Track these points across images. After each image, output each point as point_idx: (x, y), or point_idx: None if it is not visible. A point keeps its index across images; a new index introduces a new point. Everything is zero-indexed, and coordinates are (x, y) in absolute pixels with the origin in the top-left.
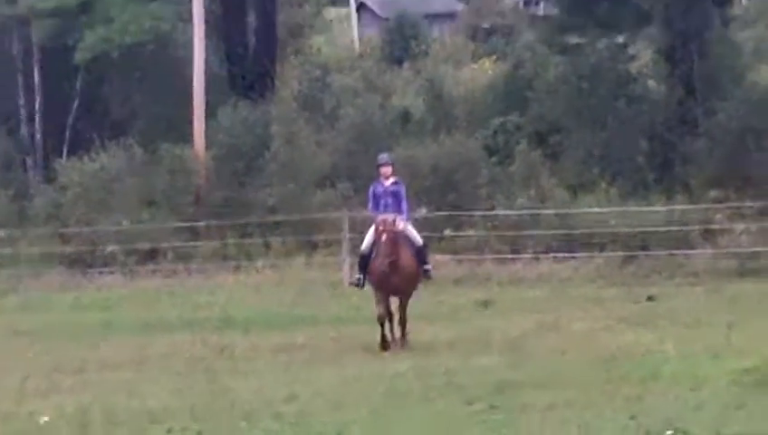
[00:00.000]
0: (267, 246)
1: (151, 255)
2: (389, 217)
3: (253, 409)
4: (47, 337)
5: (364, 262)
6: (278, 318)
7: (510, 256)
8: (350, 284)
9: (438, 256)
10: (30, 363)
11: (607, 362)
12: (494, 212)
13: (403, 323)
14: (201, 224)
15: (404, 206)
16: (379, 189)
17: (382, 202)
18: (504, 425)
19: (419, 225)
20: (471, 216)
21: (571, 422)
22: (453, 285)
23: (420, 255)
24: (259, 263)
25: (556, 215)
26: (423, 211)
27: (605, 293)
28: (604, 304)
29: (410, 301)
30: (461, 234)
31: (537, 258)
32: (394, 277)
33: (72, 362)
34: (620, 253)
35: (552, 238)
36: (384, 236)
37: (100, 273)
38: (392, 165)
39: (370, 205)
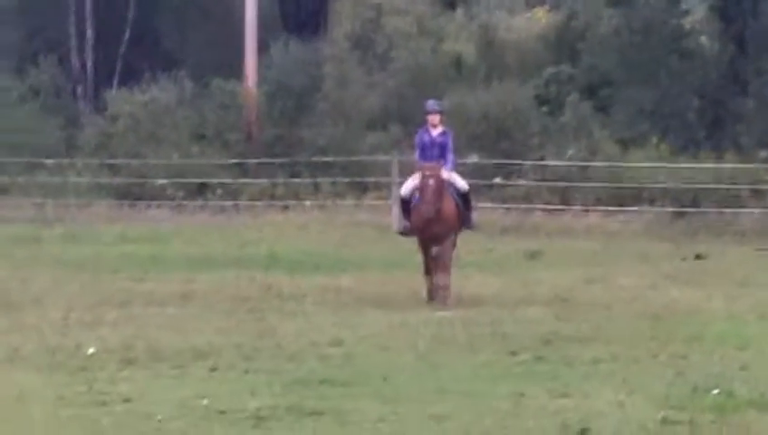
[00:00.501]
0: (316, 186)
1: (200, 190)
2: (435, 164)
3: (299, 350)
4: (93, 269)
5: (406, 206)
6: (325, 259)
7: (559, 207)
8: (398, 231)
9: (488, 204)
10: (75, 295)
11: (653, 319)
12: (544, 162)
13: (445, 271)
14: (251, 161)
15: (450, 157)
16: (426, 139)
17: (428, 153)
18: (548, 377)
19: (469, 171)
20: (521, 165)
21: (616, 376)
22: (501, 234)
23: (464, 202)
24: (307, 203)
25: (606, 168)
26: (474, 158)
27: (653, 248)
28: (652, 261)
29: (455, 251)
30: (510, 183)
31: (586, 211)
32: (436, 226)
33: (117, 296)
34: (669, 209)
35: (601, 191)
36: (429, 183)
37: (148, 206)
38: (441, 113)
39: (417, 153)
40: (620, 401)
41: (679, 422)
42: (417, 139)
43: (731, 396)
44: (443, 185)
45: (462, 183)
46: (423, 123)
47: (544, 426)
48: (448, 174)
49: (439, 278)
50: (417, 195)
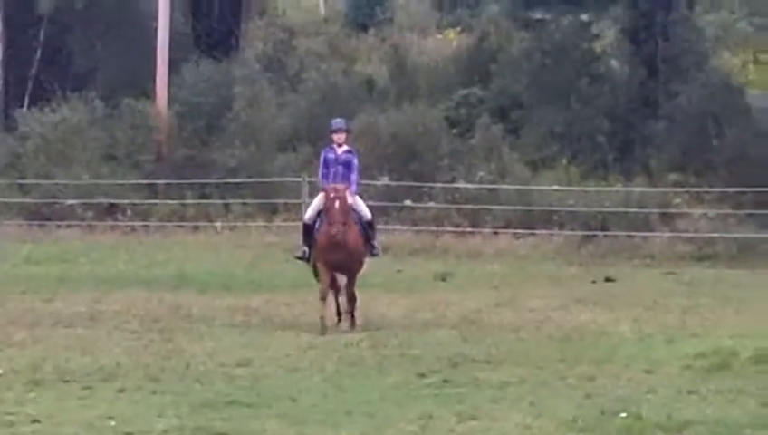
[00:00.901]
0: (227, 207)
1: (110, 210)
2: (339, 185)
3: (206, 370)
4: (1, 289)
5: (308, 232)
6: (235, 280)
7: (469, 229)
8: (296, 257)
9: (398, 226)
10: None
11: (562, 341)
12: (454, 185)
13: (352, 300)
14: (161, 182)
15: (354, 177)
16: (331, 156)
17: (332, 171)
18: (457, 400)
19: (379, 193)
20: (431, 187)
21: (524, 399)
22: (410, 255)
23: (368, 231)
24: (218, 224)
25: (516, 190)
26: (384, 179)
27: (563, 271)
28: (561, 283)
29: (358, 278)
30: (420, 205)
31: (496, 233)
32: (340, 252)
33: (25, 316)
34: (579, 232)
35: (511, 214)
36: (335, 205)
37: (58, 226)
38: (347, 131)
39: (320, 172)
40: (528, 425)
41: None
42: (321, 156)
43: (638, 419)
44: (348, 207)
45: (366, 211)
46: (327, 143)
47: None
48: (353, 198)
49: (347, 305)
50: (321, 218)
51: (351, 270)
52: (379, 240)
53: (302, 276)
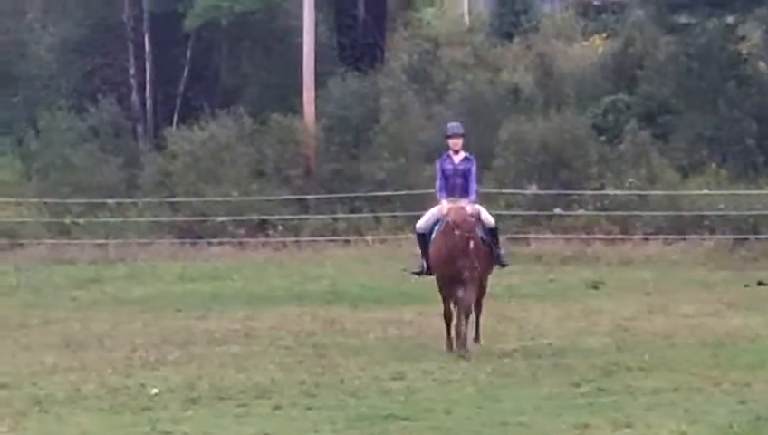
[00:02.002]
0: (377, 220)
1: (261, 226)
2: (468, 215)
3: (361, 385)
4: (155, 308)
5: (424, 243)
6: (387, 293)
7: (619, 236)
8: (413, 273)
9: (548, 235)
10: (138, 334)
11: (715, 347)
12: (603, 192)
13: (477, 321)
14: (311, 197)
15: (474, 187)
16: (448, 167)
17: (450, 183)
18: (610, 408)
19: (529, 202)
20: (580, 195)
21: (678, 406)
22: (561, 264)
23: (492, 238)
24: (369, 237)
25: (666, 196)
26: (533, 188)
27: (714, 276)
28: (713, 288)
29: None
30: (570, 213)
31: (646, 239)
32: (461, 261)
33: (179, 334)
34: (730, 236)
35: (661, 220)
36: (469, 245)
37: (210, 243)
38: (463, 136)
39: (438, 184)
40: (683, 431)
41: None
42: (437, 165)
43: None
44: (473, 231)
45: (489, 218)
46: (444, 149)
47: None
48: (472, 207)
49: (462, 325)
50: (437, 228)
51: (473, 285)
52: (506, 248)
53: None
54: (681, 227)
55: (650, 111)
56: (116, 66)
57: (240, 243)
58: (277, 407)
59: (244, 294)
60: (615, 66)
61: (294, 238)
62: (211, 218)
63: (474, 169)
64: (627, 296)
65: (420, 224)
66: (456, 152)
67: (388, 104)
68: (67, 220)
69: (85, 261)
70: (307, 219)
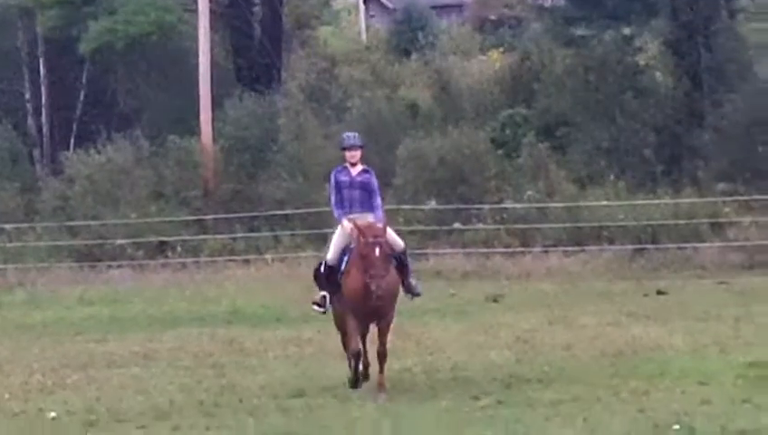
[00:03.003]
0: (276, 240)
1: (160, 248)
2: (376, 225)
3: (260, 404)
4: (54, 332)
5: (330, 275)
6: (287, 312)
7: (519, 249)
8: (314, 304)
9: (448, 250)
10: (36, 359)
11: (615, 357)
12: (502, 205)
13: (383, 355)
14: (209, 217)
15: (377, 201)
16: (344, 179)
17: (347, 195)
18: (510, 420)
19: (428, 217)
20: (480, 209)
21: (577, 417)
22: (462, 278)
23: (403, 267)
24: (268, 257)
25: (564, 208)
26: (432, 203)
27: (614, 287)
28: (613, 299)
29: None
30: (470, 227)
31: (546, 252)
32: (378, 300)
33: (78, 358)
34: (629, 246)
35: (560, 232)
36: (375, 252)
37: (109, 267)
38: (362, 148)
39: (333, 198)
40: None
41: None
42: (332, 178)
43: (692, 431)
44: (389, 253)
45: (398, 240)
46: (339, 162)
47: None
48: (381, 225)
49: (378, 361)
50: (346, 257)
51: (388, 318)
52: (414, 274)
53: None
54: (580, 238)
55: (548, 123)
56: (11, 91)
57: (139, 265)
58: (176, 428)
59: (145, 316)
60: (512, 80)
61: (194, 259)
62: (110, 242)
63: (374, 181)
64: (527, 309)
65: (330, 256)
66: (354, 164)
67: (286, 124)
68: None
69: None
70: (206, 240)
